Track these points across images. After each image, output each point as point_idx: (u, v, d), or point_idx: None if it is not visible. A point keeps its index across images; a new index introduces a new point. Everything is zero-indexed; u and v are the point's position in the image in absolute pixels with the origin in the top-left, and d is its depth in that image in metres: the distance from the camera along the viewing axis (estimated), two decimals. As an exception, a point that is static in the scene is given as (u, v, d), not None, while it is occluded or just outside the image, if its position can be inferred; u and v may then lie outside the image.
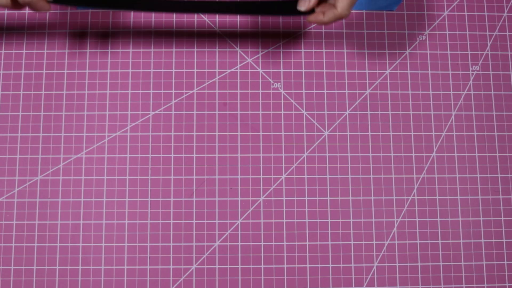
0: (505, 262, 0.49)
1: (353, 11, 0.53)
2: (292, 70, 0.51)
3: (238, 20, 0.52)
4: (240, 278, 0.48)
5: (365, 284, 0.48)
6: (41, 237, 0.48)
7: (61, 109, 0.50)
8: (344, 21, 0.52)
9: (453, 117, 0.51)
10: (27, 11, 0.52)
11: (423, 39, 0.52)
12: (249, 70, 0.51)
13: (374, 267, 0.48)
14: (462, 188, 0.50)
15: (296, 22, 0.52)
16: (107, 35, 0.51)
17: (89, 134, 0.50)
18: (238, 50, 0.52)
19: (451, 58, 0.52)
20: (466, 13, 0.53)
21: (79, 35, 0.51)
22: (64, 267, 0.47)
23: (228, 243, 0.48)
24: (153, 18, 0.52)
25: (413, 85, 0.51)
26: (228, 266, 0.48)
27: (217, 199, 0.49)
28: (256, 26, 0.52)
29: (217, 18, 0.52)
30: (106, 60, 0.51)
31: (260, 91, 0.51)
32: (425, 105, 0.51)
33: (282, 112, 0.50)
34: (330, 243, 0.48)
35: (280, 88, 0.51)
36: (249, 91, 0.51)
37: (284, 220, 0.49)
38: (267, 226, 0.48)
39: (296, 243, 0.48)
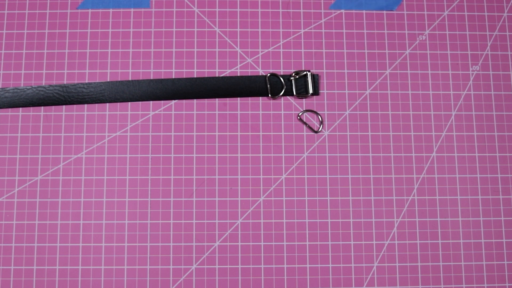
0: (505, 262, 0.49)
1: (353, 11, 0.53)
2: (292, 70, 0.51)
3: (238, 20, 0.52)
4: (240, 278, 0.48)
5: (365, 284, 0.48)
6: (41, 237, 0.48)
7: (61, 109, 0.50)
8: (344, 21, 0.52)
9: (453, 117, 0.51)
10: (27, 11, 0.52)
11: (423, 39, 0.52)
12: (249, 70, 0.51)
13: (374, 267, 0.48)
14: (462, 188, 0.50)
15: (297, 22, 0.52)
16: (107, 35, 0.51)
17: (89, 134, 0.50)
18: (238, 50, 0.52)
19: (451, 58, 0.52)
20: (466, 13, 0.53)
21: (79, 35, 0.51)
22: (64, 267, 0.47)
23: (228, 243, 0.48)
24: (153, 18, 0.52)
25: (413, 85, 0.51)
26: (228, 266, 0.48)
27: (217, 199, 0.49)
28: (256, 26, 0.52)
29: (217, 18, 0.52)
30: (106, 60, 0.51)
31: (260, 91, 0.51)
32: (425, 105, 0.51)
33: (282, 112, 0.50)
34: (330, 243, 0.48)
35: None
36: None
37: (284, 220, 0.49)
38: (267, 226, 0.48)
39: (296, 243, 0.48)
